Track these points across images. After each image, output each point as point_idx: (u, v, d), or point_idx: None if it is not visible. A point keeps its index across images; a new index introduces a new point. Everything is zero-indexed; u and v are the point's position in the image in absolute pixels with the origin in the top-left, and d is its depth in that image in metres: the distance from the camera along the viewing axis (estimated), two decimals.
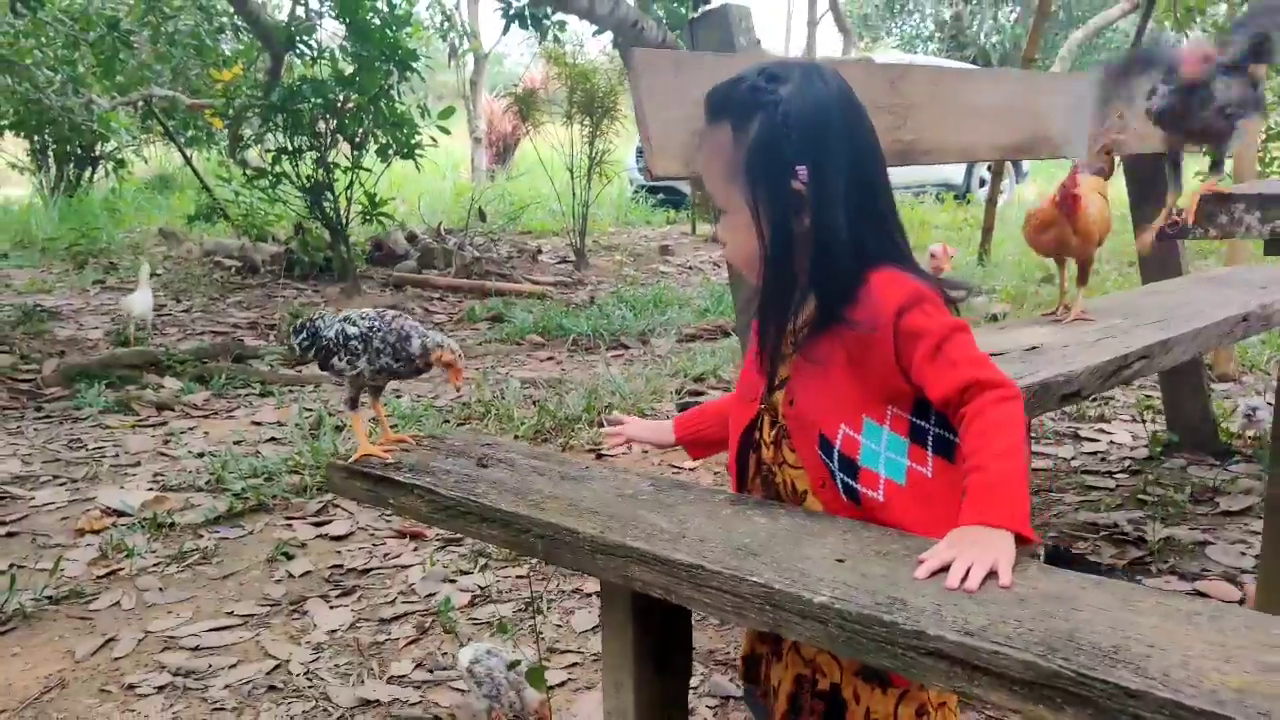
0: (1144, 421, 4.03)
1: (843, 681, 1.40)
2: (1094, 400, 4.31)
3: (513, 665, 2.00)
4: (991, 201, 8.00)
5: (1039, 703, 0.98)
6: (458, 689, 2.25)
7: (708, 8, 2.79)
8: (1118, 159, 2.91)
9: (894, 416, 1.35)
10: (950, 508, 1.26)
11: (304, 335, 1.72)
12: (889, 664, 1.08)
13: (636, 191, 12.59)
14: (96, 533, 3.17)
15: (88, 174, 12.80)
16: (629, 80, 2.09)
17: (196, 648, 2.51)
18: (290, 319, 6.25)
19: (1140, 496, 3.27)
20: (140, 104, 10.86)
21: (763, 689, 1.52)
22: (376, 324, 1.64)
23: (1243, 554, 2.81)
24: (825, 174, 1.32)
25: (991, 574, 1.14)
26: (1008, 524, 1.18)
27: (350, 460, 1.68)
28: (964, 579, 1.13)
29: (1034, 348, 2.27)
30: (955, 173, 13.11)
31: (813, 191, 1.33)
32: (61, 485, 3.61)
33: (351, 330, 1.64)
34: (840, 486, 1.35)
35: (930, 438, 1.36)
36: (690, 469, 3.54)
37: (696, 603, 1.23)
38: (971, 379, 1.27)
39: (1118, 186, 4.06)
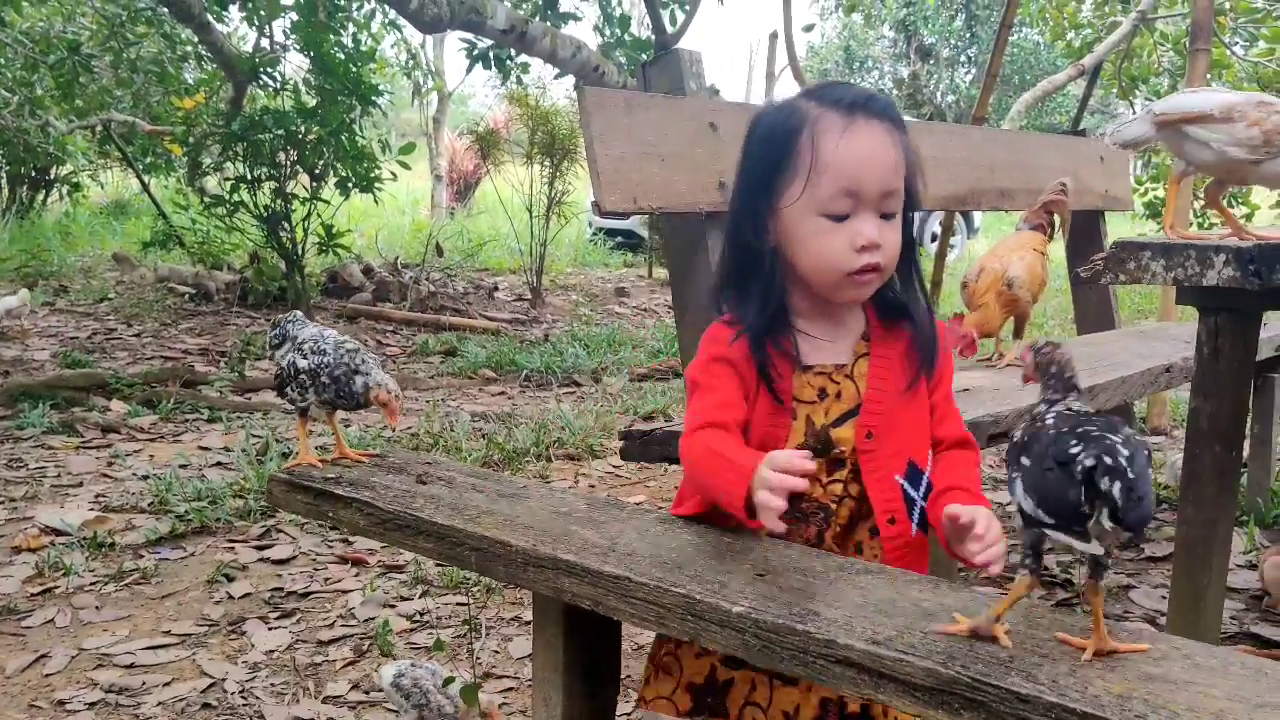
0: None
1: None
2: None
3: (446, 683, 2.02)
4: (940, 256, 8.13)
5: (939, 708, 1.04)
6: (391, 710, 2.26)
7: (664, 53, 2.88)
8: (1059, 219, 2.96)
9: None
10: None
11: (277, 333, 1.81)
12: (801, 672, 1.13)
13: (595, 233, 12.70)
14: (34, 551, 3.14)
15: (41, 196, 12.68)
16: (580, 118, 2.16)
17: (131, 665, 2.50)
18: (242, 346, 6.24)
19: None
20: (99, 128, 10.82)
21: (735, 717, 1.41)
22: (328, 359, 1.70)
23: (1164, 598, 2.89)
24: None
25: None
26: None
27: (285, 467, 1.73)
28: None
29: (966, 390, 2.36)
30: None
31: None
32: None
33: (302, 364, 1.71)
34: (916, 518, 1.39)
35: None
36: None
37: (622, 613, 1.28)
38: (966, 433, 1.44)
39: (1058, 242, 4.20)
